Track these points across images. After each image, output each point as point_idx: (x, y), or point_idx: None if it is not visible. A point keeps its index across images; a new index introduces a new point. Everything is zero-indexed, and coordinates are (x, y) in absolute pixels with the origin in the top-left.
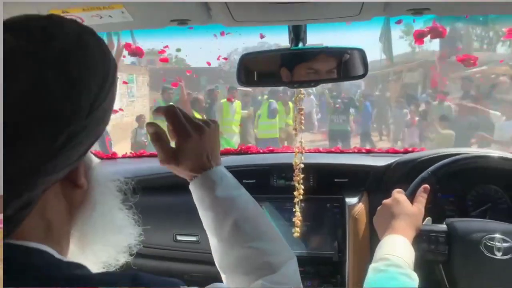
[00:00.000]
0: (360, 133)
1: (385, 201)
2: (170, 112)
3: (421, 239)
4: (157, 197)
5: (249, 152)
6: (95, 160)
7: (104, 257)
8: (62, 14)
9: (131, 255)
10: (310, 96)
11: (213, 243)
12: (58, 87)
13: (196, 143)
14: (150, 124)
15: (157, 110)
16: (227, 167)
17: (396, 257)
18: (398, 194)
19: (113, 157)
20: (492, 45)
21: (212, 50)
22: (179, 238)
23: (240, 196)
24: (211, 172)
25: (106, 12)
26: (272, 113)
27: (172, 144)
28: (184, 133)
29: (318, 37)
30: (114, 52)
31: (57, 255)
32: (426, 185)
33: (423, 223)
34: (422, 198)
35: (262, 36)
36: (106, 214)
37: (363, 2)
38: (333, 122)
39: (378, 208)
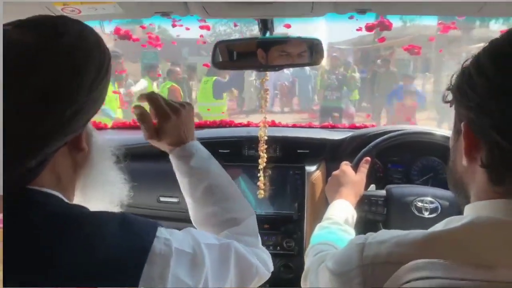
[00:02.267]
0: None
1: (334, 172)
2: (153, 98)
3: (364, 203)
4: (144, 164)
5: (226, 125)
6: (95, 130)
7: (101, 206)
8: (62, 6)
9: (122, 207)
10: (284, 70)
11: (188, 202)
12: (67, 72)
13: (174, 122)
14: (136, 107)
15: (141, 96)
16: (205, 139)
17: (338, 217)
18: (345, 166)
19: (104, 127)
20: None
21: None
22: (162, 199)
23: (211, 166)
24: (187, 146)
25: (101, 6)
26: (219, 93)
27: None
28: (164, 114)
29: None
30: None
31: (65, 199)
32: (367, 158)
33: (368, 190)
34: (364, 169)
35: (235, 25)
36: (103, 172)
37: (313, 2)
38: (326, 98)
39: (329, 178)
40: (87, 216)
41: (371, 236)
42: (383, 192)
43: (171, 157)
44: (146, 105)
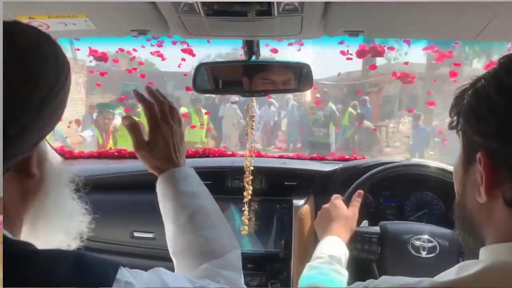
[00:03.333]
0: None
1: (325, 206)
2: (151, 104)
3: (356, 240)
4: (116, 195)
5: (210, 155)
6: (51, 152)
7: (56, 241)
8: (28, 20)
9: (82, 241)
10: (271, 107)
11: (169, 229)
12: (13, 82)
13: (167, 137)
14: (125, 118)
15: (138, 96)
16: None
17: (329, 255)
18: (336, 200)
19: (76, 156)
20: None
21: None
22: (136, 234)
23: (200, 192)
24: (179, 170)
25: (70, 20)
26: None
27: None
28: (158, 125)
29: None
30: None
31: (9, 234)
32: (360, 191)
33: (360, 226)
34: (356, 203)
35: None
36: (58, 202)
37: (302, 23)
38: (313, 134)
39: (318, 212)
40: (34, 255)
41: (373, 284)
42: (377, 229)
43: (159, 180)
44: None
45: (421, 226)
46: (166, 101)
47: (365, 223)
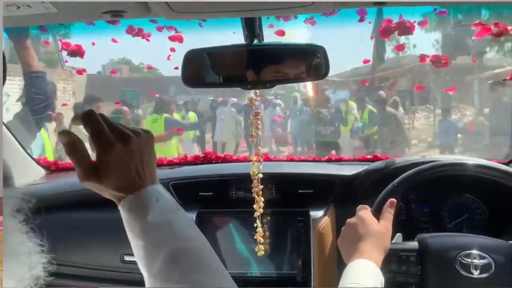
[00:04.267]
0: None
1: (349, 220)
2: (89, 117)
3: (391, 260)
4: (103, 214)
5: (213, 161)
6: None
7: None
8: None
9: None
10: (276, 107)
11: (145, 276)
12: None
13: (121, 154)
14: (63, 133)
15: (76, 117)
16: (182, 179)
17: (360, 285)
18: (363, 212)
19: (62, 168)
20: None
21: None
22: (127, 258)
23: (177, 221)
24: (144, 192)
25: (24, 1)
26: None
27: (93, 157)
28: (105, 142)
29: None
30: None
31: None
32: (393, 199)
33: (393, 241)
34: (389, 214)
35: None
36: (7, 245)
37: None
38: (319, 133)
39: (342, 228)
40: None
41: None
42: (415, 245)
43: (120, 209)
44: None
45: (469, 239)
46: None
47: (398, 237)
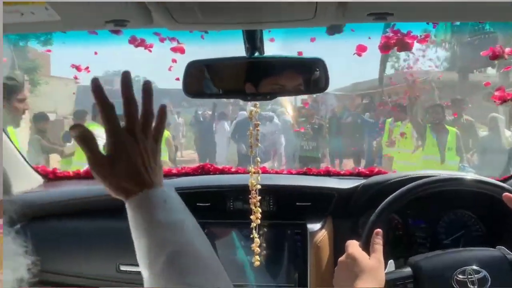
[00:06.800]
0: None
1: (340, 259)
2: (105, 110)
3: None
4: (98, 222)
5: (210, 172)
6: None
7: None
8: None
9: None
10: (273, 120)
11: (145, 276)
12: None
13: (133, 150)
14: (75, 127)
15: (97, 91)
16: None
17: None
18: (352, 249)
19: (60, 176)
20: None
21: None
22: (123, 268)
23: (184, 224)
24: (154, 192)
25: (28, 8)
26: None
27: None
28: (117, 136)
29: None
30: None
31: None
32: (378, 230)
33: (386, 270)
34: (378, 246)
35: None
36: None
37: (317, 3)
38: (302, 148)
39: (336, 268)
40: None
41: None
42: (408, 271)
43: (128, 206)
44: None
45: (462, 254)
46: (135, 104)
47: (390, 264)
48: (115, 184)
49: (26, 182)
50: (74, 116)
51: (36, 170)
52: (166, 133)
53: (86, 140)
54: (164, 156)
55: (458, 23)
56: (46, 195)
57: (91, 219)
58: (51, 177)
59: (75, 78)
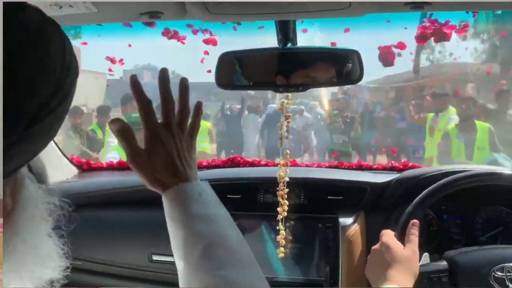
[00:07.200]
0: None
1: (374, 247)
2: (143, 105)
3: (422, 284)
4: (131, 212)
5: (240, 164)
6: (29, 176)
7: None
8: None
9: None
10: (303, 113)
11: (180, 267)
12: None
13: (170, 144)
14: (114, 121)
15: (135, 87)
16: (210, 180)
17: None
18: (386, 238)
19: (94, 167)
20: None
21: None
22: (155, 258)
23: (219, 217)
24: (189, 186)
25: (66, 1)
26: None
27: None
28: (155, 131)
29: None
30: None
31: None
32: (415, 220)
33: (420, 263)
34: (413, 237)
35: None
36: (29, 241)
37: None
38: (332, 142)
39: (368, 256)
40: None
41: None
42: (444, 265)
43: (164, 199)
44: None
45: (500, 252)
46: (172, 101)
47: (425, 257)
48: (152, 177)
49: (61, 172)
50: (97, 112)
51: (71, 161)
52: (207, 125)
53: (124, 134)
54: (207, 148)
55: (500, 11)
56: (81, 185)
57: (124, 209)
58: (85, 168)
59: (110, 70)
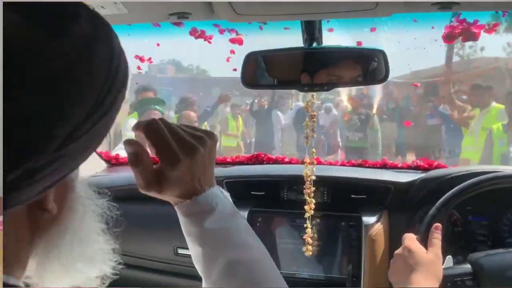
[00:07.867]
0: None
1: (397, 251)
2: (151, 130)
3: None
4: (157, 206)
5: (264, 161)
6: (81, 180)
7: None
8: None
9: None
10: (332, 111)
11: (202, 280)
12: (29, 107)
13: (186, 168)
14: (128, 143)
15: (137, 126)
16: (234, 177)
17: None
18: (409, 241)
19: (123, 162)
20: None
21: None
22: (181, 251)
23: (235, 228)
24: (202, 198)
25: (98, 3)
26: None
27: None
28: (171, 158)
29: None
30: None
31: (9, 280)
32: (437, 224)
33: (444, 266)
34: (436, 240)
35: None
36: (77, 243)
37: None
38: (348, 139)
39: (391, 261)
40: None
41: None
42: (468, 268)
43: (177, 210)
44: None
45: None
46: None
47: (448, 259)
48: (164, 197)
49: (90, 166)
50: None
51: (100, 155)
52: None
53: (138, 158)
54: (233, 143)
55: None
56: (110, 180)
57: (150, 203)
58: (114, 162)
59: (138, 68)
